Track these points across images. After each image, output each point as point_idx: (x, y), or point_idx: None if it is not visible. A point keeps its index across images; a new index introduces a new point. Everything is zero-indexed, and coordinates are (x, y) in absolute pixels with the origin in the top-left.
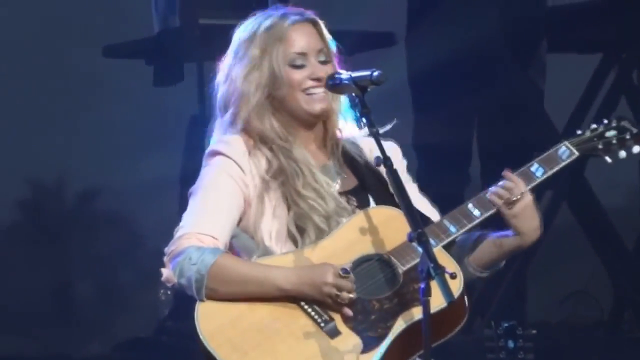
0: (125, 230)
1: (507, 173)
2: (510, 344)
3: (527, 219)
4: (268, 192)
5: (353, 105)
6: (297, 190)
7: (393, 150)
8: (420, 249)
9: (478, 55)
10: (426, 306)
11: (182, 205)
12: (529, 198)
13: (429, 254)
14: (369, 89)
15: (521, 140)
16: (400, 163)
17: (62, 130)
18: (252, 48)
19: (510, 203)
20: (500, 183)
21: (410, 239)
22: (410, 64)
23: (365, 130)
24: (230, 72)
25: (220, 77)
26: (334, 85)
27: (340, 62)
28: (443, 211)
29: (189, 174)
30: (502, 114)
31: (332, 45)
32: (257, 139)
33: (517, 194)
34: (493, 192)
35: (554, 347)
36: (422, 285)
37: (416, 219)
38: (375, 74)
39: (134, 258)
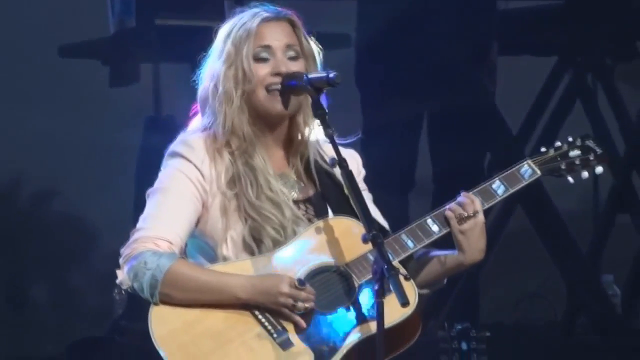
0: (79, 232)
1: (463, 192)
2: (464, 345)
3: (474, 239)
4: (225, 202)
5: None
6: (250, 202)
7: (353, 158)
8: (372, 257)
9: (429, 59)
10: (380, 308)
11: (137, 207)
12: (481, 218)
13: (383, 256)
14: (324, 90)
15: (474, 144)
16: (357, 171)
17: (16, 132)
18: (228, 45)
19: (461, 219)
20: (457, 199)
21: (365, 240)
22: (360, 63)
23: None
24: (210, 69)
25: (202, 74)
26: (289, 86)
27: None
28: (393, 223)
29: (144, 175)
30: (454, 116)
31: (309, 46)
32: (224, 141)
33: (470, 211)
34: (448, 207)
35: (507, 350)
36: (376, 287)
37: (371, 221)
38: (331, 75)
39: (88, 259)
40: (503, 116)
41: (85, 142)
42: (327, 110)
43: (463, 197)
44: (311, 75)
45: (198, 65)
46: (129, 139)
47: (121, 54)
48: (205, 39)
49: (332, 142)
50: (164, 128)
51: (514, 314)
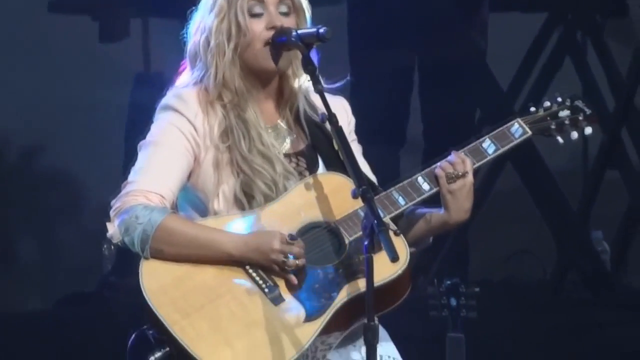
0: (67, 188)
1: (454, 151)
2: (453, 301)
3: (461, 199)
4: (217, 155)
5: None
6: (242, 155)
7: (342, 106)
8: (363, 214)
9: (421, 15)
10: (369, 264)
11: (126, 163)
12: (470, 179)
13: (372, 211)
14: (315, 46)
15: (464, 100)
16: (347, 120)
17: (4, 87)
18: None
19: (451, 178)
20: (448, 158)
21: (354, 195)
22: (351, 19)
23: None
24: (200, 23)
25: (191, 28)
26: (279, 42)
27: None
28: (384, 179)
29: (133, 132)
30: (445, 72)
31: (301, 5)
32: (216, 94)
33: (460, 170)
34: (439, 165)
35: (496, 306)
36: (366, 242)
37: (360, 176)
38: (321, 30)
39: (76, 215)
40: (493, 72)
41: (74, 98)
42: (317, 65)
43: (454, 156)
44: (301, 31)
45: (188, 20)
46: (118, 95)
47: (111, 9)
48: None
49: (322, 98)
50: (154, 84)
51: (503, 271)
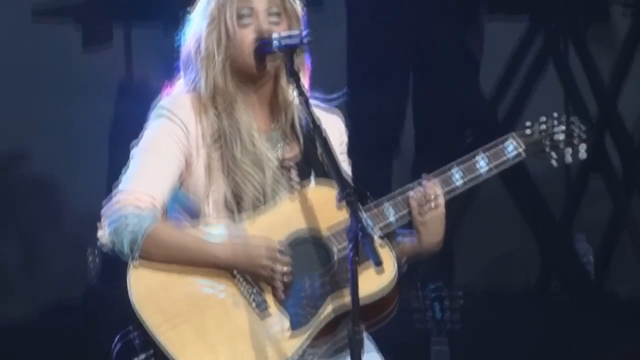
0: (51, 195)
1: (425, 176)
2: (437, 306)
3: (432, 231)
4: (209, 159)
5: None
6: (234, 157)
7: (335, 122)
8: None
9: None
10: (354, 267)
11: (110, 171)
12: (441, 210)
13: (356, 215)
14: (297, 52)
15: (454, 108)
16: (339, 136)
17: None
18: (212, 6)
19: (422, 207)
20: (419, 187)
21: (339, 200)
22: (350, 25)
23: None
24: (193, 29)
25: (185, 34)
26: (262, 52)
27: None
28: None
29: (117, 139)
30: (438, 82)
31: (294, 9)
32: (210, 99)
33: (431, 200)
34: (411, 195)
35: (480, 311)
36: (350, 247)
37: (345, 181)
38: (304, 37)
39: (60, 223)
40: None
41: (57, 104)
42: (310, 67)
43: (425, 184)
44: (283, 39)
45: (170, 27)
46: (101, 103)
47: (94, 13)
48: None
49: (306, 107)
50: (137, 93)
51: (487, 277)
